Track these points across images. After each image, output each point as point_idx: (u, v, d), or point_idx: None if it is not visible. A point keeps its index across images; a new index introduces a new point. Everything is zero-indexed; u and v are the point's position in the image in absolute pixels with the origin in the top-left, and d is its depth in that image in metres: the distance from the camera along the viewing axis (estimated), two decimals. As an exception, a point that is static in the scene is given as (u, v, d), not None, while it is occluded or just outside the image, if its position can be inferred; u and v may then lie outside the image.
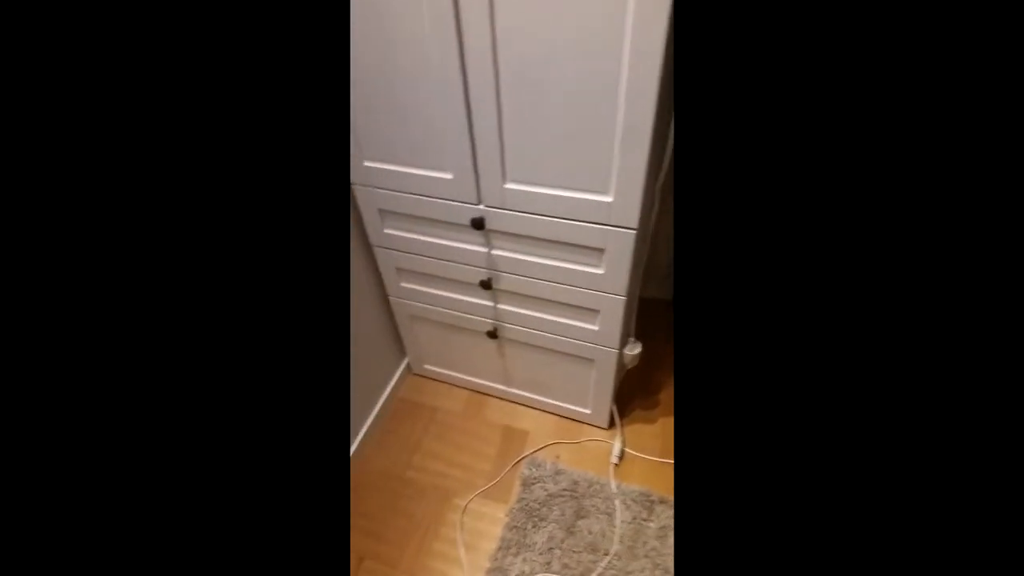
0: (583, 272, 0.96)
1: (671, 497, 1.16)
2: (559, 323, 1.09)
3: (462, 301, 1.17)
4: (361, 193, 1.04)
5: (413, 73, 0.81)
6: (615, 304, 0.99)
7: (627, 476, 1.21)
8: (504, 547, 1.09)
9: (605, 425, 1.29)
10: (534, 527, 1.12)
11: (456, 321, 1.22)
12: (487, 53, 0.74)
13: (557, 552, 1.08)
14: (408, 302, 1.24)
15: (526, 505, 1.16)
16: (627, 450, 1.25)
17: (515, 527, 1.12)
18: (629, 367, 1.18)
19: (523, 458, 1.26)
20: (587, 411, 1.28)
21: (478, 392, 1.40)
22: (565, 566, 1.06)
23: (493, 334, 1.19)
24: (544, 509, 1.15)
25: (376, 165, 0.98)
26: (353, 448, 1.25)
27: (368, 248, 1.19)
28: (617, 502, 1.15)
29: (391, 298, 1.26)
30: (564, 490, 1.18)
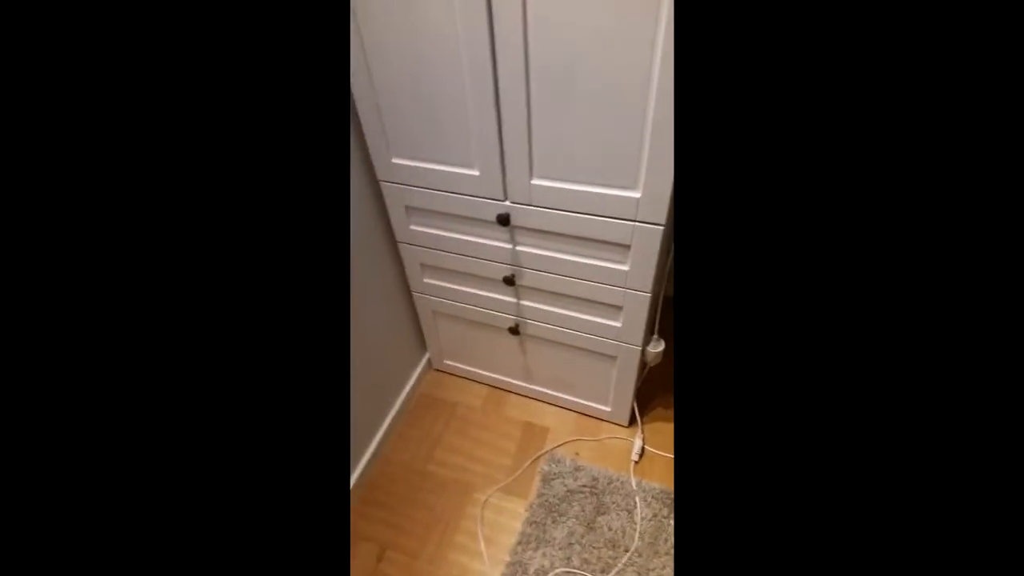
0: (608, 268, 0.97)
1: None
2: (582, 320, 1.10)
3: (485, 297, 1.18)
4: (388, 190, 1.06)
5: (442, 68, 0.82)
6: (640, 301, 0.99)
7: (647, 474, 1.20)
8: (524, 541, 1.10)
9: (625, 423, 1.29)
10: (554, 522, 1.13)
11: (478, 317, 1.23)
12: (518, 46, 0.75)
13: (577, 547, 1.08)
14: (431, 297, 1.26)
15: (546, 500, 1.16)
16: (647, 448, 1.25)
17: (535, 522, 1.13)
18: (651, 365, 1.18)
19: (543, 454, 1.26)
20: (607, 408, 1.28)
21: (498, 388, 1.41)
22: (585, 561, 1.06)
23: (515, 330, 1.20)
24: (564, 505, 1.15)
25: (403, 162, 0.99)
26: (375, 442, 1.27)
27: (393, 244, 1.20)
28: (638, 499, 1.15)
29: (414, 293, 1.28)
30: (584, 486, 1.18)
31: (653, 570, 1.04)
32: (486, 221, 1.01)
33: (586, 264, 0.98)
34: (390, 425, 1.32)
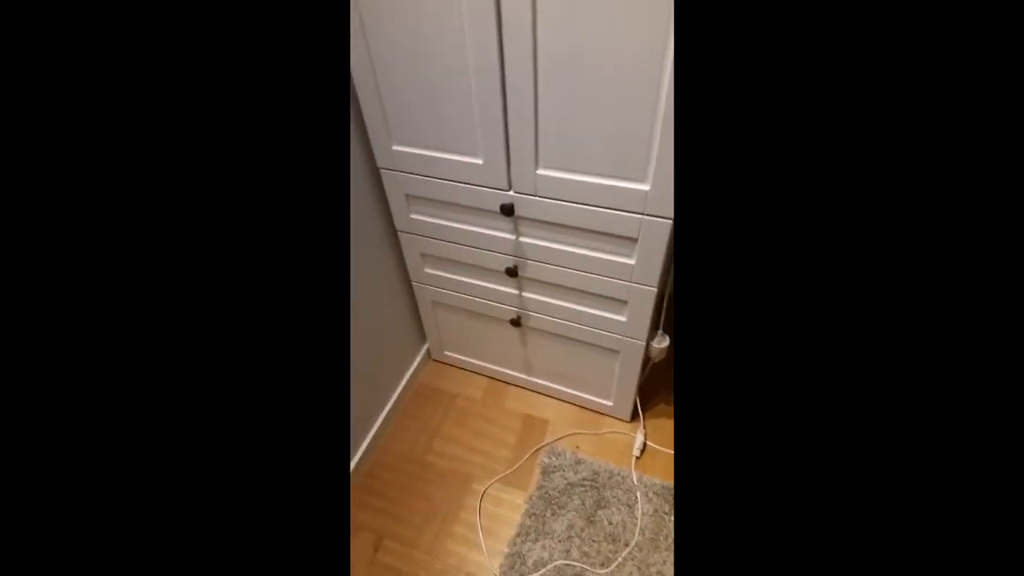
0: (614, 262, 0.94)
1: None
2: (585, 313, 1.08)
3: (486, 288, 1.15)
4: (388, 178, 1.03)
5: (447, 54, 0.79)
6: (645, 296, 0.97)
7: (649, 469, 1.20)
8: (523, 533, 1.10)
9: (627, 418, 1.28)
10: (553, 515, 1.12)
11: (479, 308, 1.21)
12: (527, 28, 0.71)
13: (576, 540, 1.08)
14: (431, 288, 1.24)
15: (545, 493, 1.16)
16: (649, 443, 1.24)
17: (534, 514, 1.13)
18: (655, 360, 1.16)
19: (543, 447, 1.25)
20: (609, 403, 1.27)
21: (498, 380, 1.40)
22: (584, 555, 1.06)
23: (516, 322, 1.18)
24: (564, 497, 1.15)
25: (405, 149, 0.96)
26: (372, 431, 1.26)
27: (393, 233, 1.18)
28: (639, 494, 1.14)
29: (414, 283, 1.26)
30: (584, 480, 1.17)
31: (653, 565, 1.04)
32: (489, 211, 0.98)
33: (591, 257, 0.96)
34: (388, 415, 1.31)
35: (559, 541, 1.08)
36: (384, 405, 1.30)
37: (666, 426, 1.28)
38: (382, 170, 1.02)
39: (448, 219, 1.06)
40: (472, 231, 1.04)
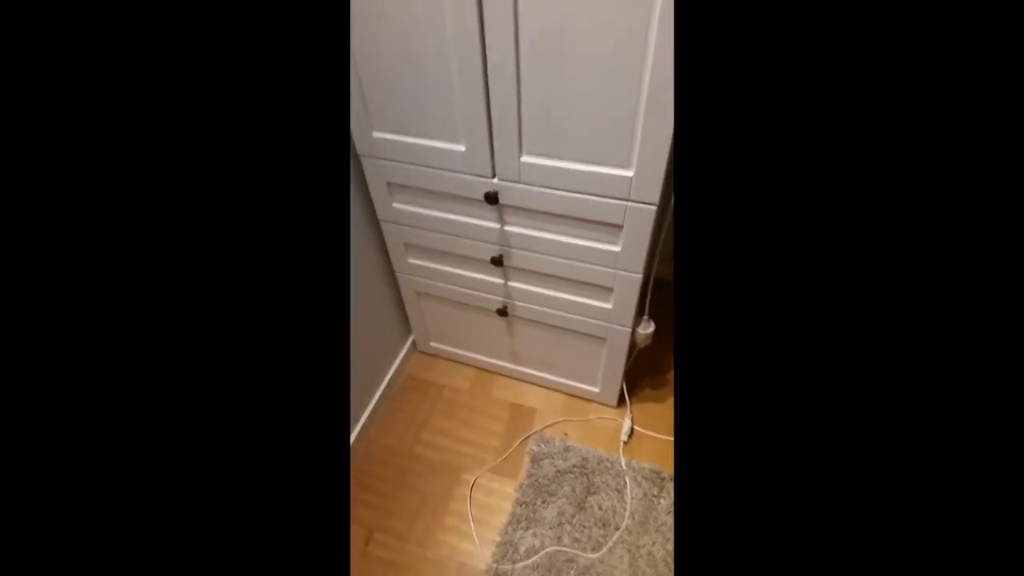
0: (599, 249, 0.94)
1: (680, 474, 1.17)
2: (572, 301, 1.08)
3: (472, 278, 1.14)
4: (369, 165, 1.01)
5: (427, 35, 0.77)
6: (631, 282, 0.97)
7: (637, 454, 1.21)
8: (514, 521, 1.10)
9: (614, 403, 1.29)
10: (544, 502, 1.13)
11: (465, 298, 1.20)
12: (508, 10, 0.70)
13: (567, 527, 1.09)
14: (415, 278, 1.22)
15: (535, 481, 1.16)
16: (636, 428, 1.26)
17: (525, 502, 1.13)
18: (641, 346, 1.17)
19: (531, 435, 1.26)
20: (596, 389, 1.27)
21: (485, 370, 1.40)
22: (576, 540, 1.07)
23: (503, 312, 1.17)
24: (554, 485, 1.15)
25: (386, 136, 0.94)
26: (359, 425, 1.25)
27: (375, 223, 1.15)
28: (627, 478, 1.15)
29: (397, 274, 1.24)
30: (574, 466, 1.18)
31: (643, 547, 1.06)
32: (473, 199, 0.97)
33: (576, 244, 0.95)
34: (375, 408, 1.29)
35: (550, 528, 1.09)
36: (371, 398, 1.29)
37: (652, 410, 1.30)
38: (363, 157, 1.00)
39: (431, 208, 1.04)
40: (456, 220, 1.03)
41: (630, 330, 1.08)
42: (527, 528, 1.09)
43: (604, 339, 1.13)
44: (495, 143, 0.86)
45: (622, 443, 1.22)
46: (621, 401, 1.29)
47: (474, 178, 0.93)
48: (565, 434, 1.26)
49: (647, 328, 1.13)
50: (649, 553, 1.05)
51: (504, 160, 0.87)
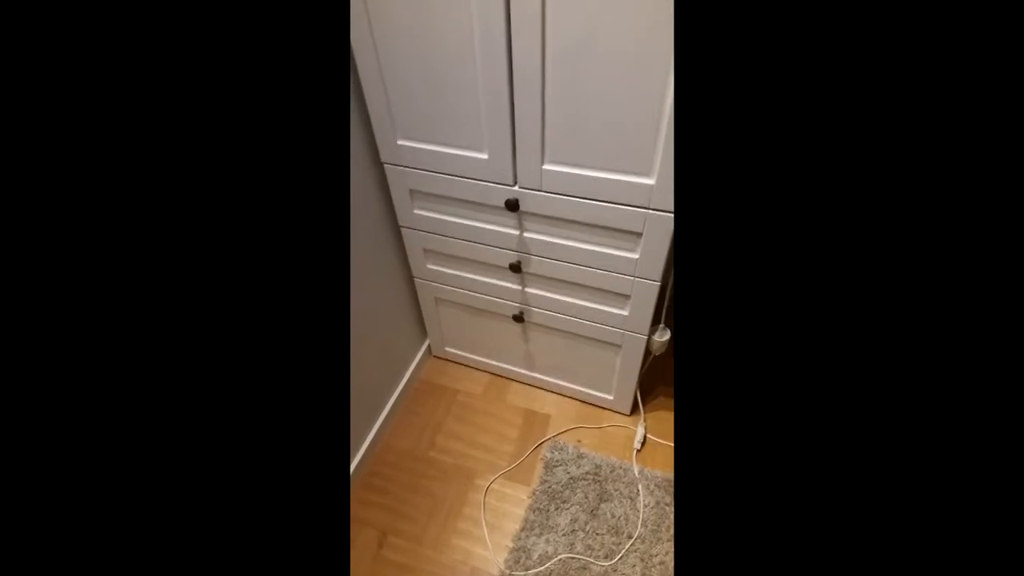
0: (618, 256, 0.95)
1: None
2: (588, 308, 1.09)
3: (489, 284, 1.16)
4: (392, 173, 1.03)
5: (453, 45, 0.79)
6: (649, 290, 0.98)
7: (650, 462, 1.21)
8: (527, 527, 1.11)
9: (627, 411, 1.29)
10: (557, 509, 1.13)
11: (482, 304, 1.21)
12: (535, 24, 0.72)
13: (580, 534, 1.09)
14: (433, 284, 1.24)
15: (549, 487, 1.16)
16: (650, 436, 1.26)
17: (538, 508, 1.13)
18: (656, 354, 1.18)
19: (545, 441, 1.26)
20: (610, 397, 1.28)
21: (499, 376, 1.40)
22: (588, 547, 1.07)
23: (519, 318, 1.18)
24: (567, 492, 1.16)
25: (409, 144, 0.96)
26: (374, 428, 1.26)
27: (395, 228, 1.18)
28: (640, 487, 1.15)
29: (416, 279, 1.26)
30: (587, 474, 1.18)
31: (656, 556, 1.05)
32: (494, 206, 0.99)
33: (595, 252, 0.97)
34: (390, 412, 1.31)
35: (563, 535, 1.09)
36: (386, 402, 1.30)
37: (666, 419, 1.30)
38: (386, 165, 1.02)
39: (452, 215, 1.06)
40: (476, 227, 1.05)
41: (646, 337, 1.08)
42: (540, 534, 1.09)
43: (619, 346, 1.13)
44: (518, 151, 0.88)
45: (635, 451, 1.22)
46: (635, 409, 1.30)
47: (495, 185, 0.95)
48: (579, 441, 1.26)
49: (663, 336, 1.14)
50: (662, 563, 1.04)
51: (526, 168, 0.89)
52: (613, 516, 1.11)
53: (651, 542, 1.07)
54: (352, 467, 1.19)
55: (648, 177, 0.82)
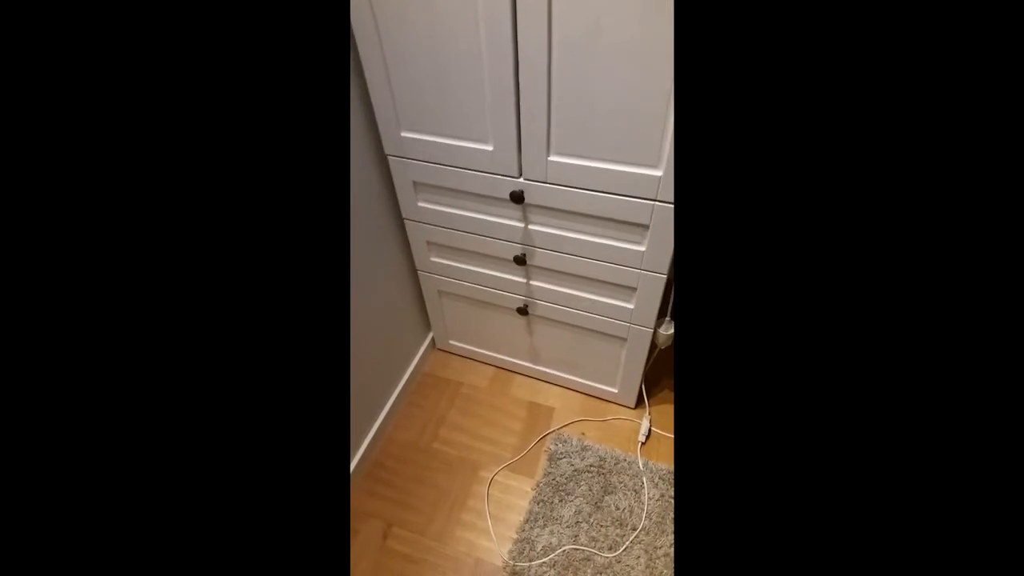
0: (624, 249, 0.95)
1: (698, 476, 1.17)
2: (593, 300, 1.08)
3: (494, 276, 1.15)
4: (396, 164, 1.02)
5: (459, 39, 0.78)
6: (655, 283, 0.98)
7: (654, 455, 1.21)
8: (531, 519, 1.11)
9: (632, 404, 1.29)
10: (561, 501, 1.13)
11: (486, 297, 1.21)
12: (542, 14, 0.71)
13: (584, 526, 1.09)
14: (437, 276, 1.24)
15: (553, 480, 1.17)
16: (654, 429, 1.26)
17: (542, 500, 1.14)
18: (662, 347, 1.17)
19: (549, 434, 1.26)
20: (614, 390, 1.28)
21: (503, 369, 1.40)
22: (592, 539, 1.08)
23: (524, 310, 1.18)
24: (571, 484, 1.16)
25: (413, 136, 0.95)
26: (378, 420, 1.26)
27: (399, 221, 1.17)
28: (644, 479, 1.16)
29: (419, 272, 1.25)
30: (591, 466, 1.18)
31: (660, 548, 1.06)
32: (499, 199, 0.98)
33: (601, 244, 0.96)
34: (394, 404, 1.31)
35: (567, 527, 1.10)
36: (390, 394, 1.30)
37: (670, 412, 1.30)
38: (390, 157, 1.01)
39: (456, 207, 1.05)
40: (480, 219, 1.04)
41: (651, 331, 1.08)
42: (544, 526, 1.10)
43: (624, 339, 1.13)
44: (523, 143, 0.87)
45: (640, 444, 1.22)
46: (639, 402, 1.30)
47: (500, 177, 0.94)
48: (583, 434, 1.26)
49: (669, 329, 1.14)
50: (666, 555, 1.05)
51: (531, 160, 0.88)
52: (617, 508, 1.12)
53: (655, 534, 1.07)
54: (356, 459, 1.19)
55: (655, 168, 0.81)
